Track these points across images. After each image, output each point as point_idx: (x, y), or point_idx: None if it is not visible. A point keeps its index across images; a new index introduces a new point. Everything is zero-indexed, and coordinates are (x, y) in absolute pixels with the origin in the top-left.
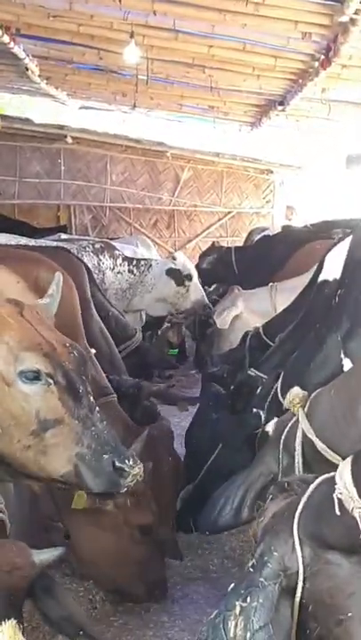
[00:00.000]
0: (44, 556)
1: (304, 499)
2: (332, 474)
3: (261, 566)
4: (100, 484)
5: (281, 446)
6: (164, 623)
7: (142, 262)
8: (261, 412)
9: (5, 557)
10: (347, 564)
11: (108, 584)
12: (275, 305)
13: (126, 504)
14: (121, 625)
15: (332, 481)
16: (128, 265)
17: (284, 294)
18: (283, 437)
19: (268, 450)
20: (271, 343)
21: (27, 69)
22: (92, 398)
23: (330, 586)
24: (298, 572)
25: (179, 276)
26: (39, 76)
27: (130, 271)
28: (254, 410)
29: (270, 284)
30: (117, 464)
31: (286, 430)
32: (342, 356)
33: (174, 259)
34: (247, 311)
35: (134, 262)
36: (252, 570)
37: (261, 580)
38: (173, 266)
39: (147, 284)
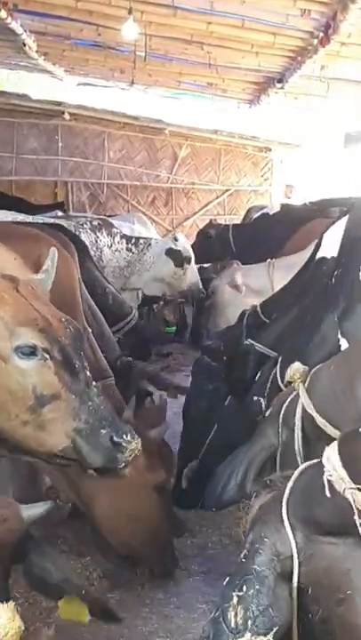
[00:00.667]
0: (32, 510)
1: (290, 484)
2: (315, 460)
3: (253, 554)
4: (99, 459)
5: (280, 420)
6: (160, 600)
7: (141, 241)
8: (262, 400)
9: None
10: (341, 543)
11: (124, 548)
12: (272, 281)
13: (141, 465)
14: (117, 602)
15: (317, 466)
16: (126, 243)
17: (281, 271)
18: (282, 411)
19: (269, 424)
20: (268, 321)
21: (24, 45)
22: (88, 373)
23: (326, 566)
24: (292, 556)
25: (178, 258)
26: (37, 51)
27: (128, 249)
28: (255, 398)
29: (268, 260)
30: (115, 439)
31: (286, 404)
32: (339, 336)
33: (176, 239)
34: (244, 286)
35: (133, 240)
36: (244, 560)
37: (255, 567)
38: (174, 246)
39: (145, 262)
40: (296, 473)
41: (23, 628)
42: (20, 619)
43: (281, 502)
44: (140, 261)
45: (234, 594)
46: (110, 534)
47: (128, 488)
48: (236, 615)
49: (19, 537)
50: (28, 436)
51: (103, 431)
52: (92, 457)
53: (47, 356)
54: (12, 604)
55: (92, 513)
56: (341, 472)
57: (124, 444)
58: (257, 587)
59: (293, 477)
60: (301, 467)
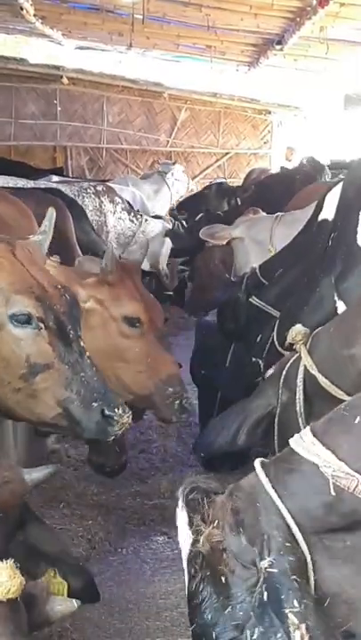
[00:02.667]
0: (35, 474)
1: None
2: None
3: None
4: (89, 431)
5: (281, 381)
6: (163, 562)
7: (139, 215)
8: (260, 361)
9: None
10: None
11: (125, 393)
12: (271, 236)
13: (106, 299)
14: (119, 564)
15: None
16: (128, 214)
17: (283, 226)
18: (284, 372)
19: (269, 384)
20: (267, 283)
21: (21, 9)
22: (82, 343)
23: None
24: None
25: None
26: (34, 15)
27: (130, 220)
28: (253, 359)
29: (277, 213)
30: (106, 412)
31: (288, 365)
32: (336, 298)
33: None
34: (248, 238)
35: (132, 213)
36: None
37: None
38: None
39: (148, 234)
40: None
41: (24, 582)
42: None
43: (276, 506)
44: (143, 232)
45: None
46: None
47: (97, 325)
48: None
49: (21, 500)
50: (20, 403)
51: (95, 404)
52: (83, 428)
53: (42, 325)
54: (11, 561)
55: None
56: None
57: (115, 417)
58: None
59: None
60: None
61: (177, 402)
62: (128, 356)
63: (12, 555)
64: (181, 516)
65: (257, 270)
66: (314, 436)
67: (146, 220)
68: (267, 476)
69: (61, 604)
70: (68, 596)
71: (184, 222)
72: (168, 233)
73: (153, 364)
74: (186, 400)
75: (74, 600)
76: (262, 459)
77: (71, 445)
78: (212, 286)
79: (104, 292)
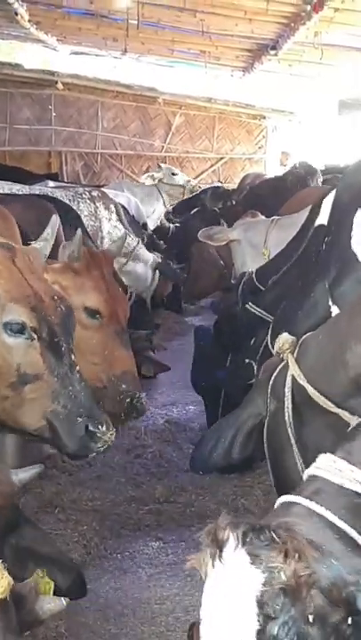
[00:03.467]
0: (22, 474)
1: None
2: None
3: None
4: (72, 445)
5: (269, 390)
6: (157, 567)
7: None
8: (254, 363)
9: None
10: None
11: (98, 390)
12: (266, 239)
13: (69, 287)
14: (115, 569)
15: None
16: (123, 227)
17: (278, 229)
18: (271, 382)
19: (257, 392)
20: (263, 288)
21: (16, 14)
22: (73, 357)
23: None
24: None
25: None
26: (29, 21)
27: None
28: (247, 360)
29: (273, 217)
30: (90, 428)
31: (275, 375)
32: (330, 303)
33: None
34: (244, 240)
35: (128, 230)
36: None
37: None
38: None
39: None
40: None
41: (12, 583)
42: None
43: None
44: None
45: None
46: None
47: None
48: None
49: (11, 501)
50: (6, 412)
51: (79, 419)
52: (66, 442)
53: (35, 335)
54: None
55: None
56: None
57: (98, 434)
58: None
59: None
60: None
61: (128, 399)
62: (84, 347)
63: (2, 556)
64: (235, 559)
65: (253, 275)
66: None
67: (138, 243)
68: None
69: (50, 603)
70: (55, 594)
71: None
72: (158, 266)
73: (109, 358)
74: (138, 399)
75: (62, 599)
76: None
77: (59, 450)
78: (207, 274)
79: (68, 279)
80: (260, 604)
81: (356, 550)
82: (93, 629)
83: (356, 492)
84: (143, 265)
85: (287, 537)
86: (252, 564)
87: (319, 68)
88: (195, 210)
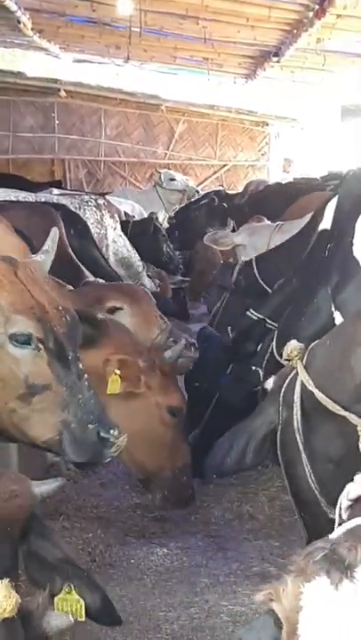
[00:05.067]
0: (43, 487)
1: None
2: None
3: None
4: (84, 453)
5: (281, 398)
6: (162, 575)
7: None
8: (260, 370)
9: (4, 486)
10: None
11: (139, 470)
12: (269, 244)
13: (156, 385)
14: (119, 577)
15: None
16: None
17: (281, 235)
18: (283, 390)
19: (270, 401)
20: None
21: (19, 22)
22: (80, 365)
23: None
24: None
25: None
26: (32, 29)
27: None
28: (253, 368)
29: (277, 222)
30: (102, 434)
31: (286, 383)
32: (333, 309)
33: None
34: (249, 244)
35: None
36: None
37: None
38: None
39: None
40: None
41: (20, 601)
42: (22, 594)
43: None
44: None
45: None
46: (125, 456)
47: (142, 408)
48: None
49: (28, 513)
50: (16, 424)
51: (90, 426)
52: (78, 450)
53: (41, 345)
54: (6, 581)
55: None
56: None
57: (110, 439)
58: None
59: None
60: None
61: (188, 491)
62: (160, 441)
63: (26, 567)
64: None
65: (253, 263)
66: None
67: (144, 269)
68: None
69: (57, 619)
70: (86, 615)
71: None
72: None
73: (176, 451)
74: (193, 493)
75: (70, 615)
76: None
77: (70, 460)
78: (210, 271)
79: (155, 379)
80: None
81: None
82: (99, 637)
83: None
84: None
85: None
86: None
87: (322, 74)
88: (202, 202)
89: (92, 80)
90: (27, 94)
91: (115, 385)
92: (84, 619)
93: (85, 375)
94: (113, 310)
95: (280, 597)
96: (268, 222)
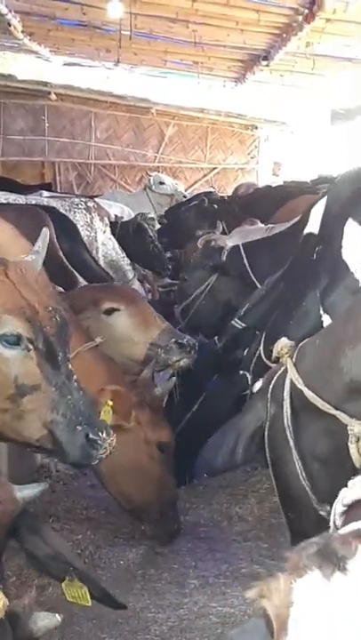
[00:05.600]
0: (26, 491)
1: None
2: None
3: None
4: (73, 454)
5: (269, 395)
6: (152, 576)
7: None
8: (248, 374)
9: None
10: None
11: (127, 503)
12: None
13: (146, 421)
14: (109, 578)
15: None
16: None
17: None
18: (271, 386)
19: (258, 398)
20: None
21: (9, 25)
22: (70, 366)
23: None
24: None
25: None
26: (22, 32)
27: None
28: (241, 372)
29: (269, 225)
30: (91, 436)
31: (274, 380)
32: (321, 312)
33: None
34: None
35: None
36: None
37: None
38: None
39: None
40: None
41: (7, 604)
42: (10, 596)
43: None
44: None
45: None
46: (113, 488)
47: (132, 443)
48: None
49: (12, 518)
50: (5, 424)
51: (79, 427)
52: (67, 451)
53: (31, 346)
54: None
55: (96, 467)
56: None
57: (99, 441)
58: None
59: None
60: None
61: (174, 524)
62: (153, 477)
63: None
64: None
65: (241, 249)
66: None
67: (135, 277)
68: None
69: (44, 620)
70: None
71: None
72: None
73: (163, 485)
74: (179, 526)
75: (57, 615)
76: None
77: (60, 460)
78: None
79: (146, 415)
80: None
81: None
82: (89, 638)
83: None
84: None
85: None
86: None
87: (311, 78)
88: (193, 203)
89: (83, 83)
90: (17, 97)
91: (107, 416)
92: (90, 603)
93: (75, 376)
94: (110, 312)
95: (271, 594)
96: (261, 225)
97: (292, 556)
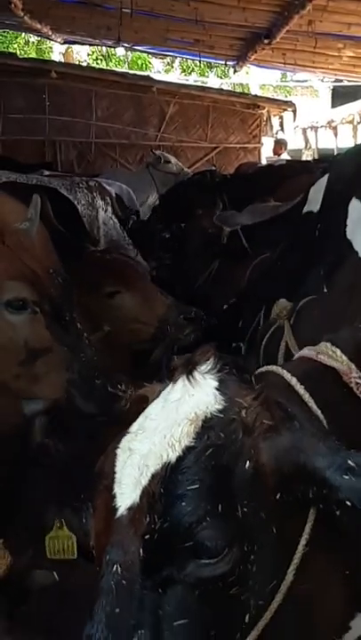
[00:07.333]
0: (33, 405)
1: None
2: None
3: None
4: (94, 408)
5: (261, 353)
6: None
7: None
8: (242, 345)
9: None
10: None
11: None
12: None
13: None
14: None
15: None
16: (120, 227)
17: None
18: (263, 344)
19: (251, 355)
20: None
21: (9, 3)
22: (79, 325)
23: None
24: None
25: None
26: (22, 9)
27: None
28: (233, 344)
29: (277, 203)
30: (110, 389)
31: (267, 337)
32: (325, 290)
33: None
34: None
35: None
36: None
37: None
38: None
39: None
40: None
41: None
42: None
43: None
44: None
45: None
46: None
47: None
48: None
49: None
50: (22, 390)
51: (97, 381)
52: (87, 406)
53: (37, 309)
54: (0, 541)
55: None
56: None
57: (119, 393)
58: None
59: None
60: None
61: None
62: None
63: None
64: (205, 380)
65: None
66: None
67: (137, 255)
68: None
69: (40, 577)
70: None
71: None
72: None
73: None
74: None
75: (54, 573)
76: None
77: (61, 440)
78: None
79: None
80: (206, 427)
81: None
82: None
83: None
84: None
85: (262, 386)
86: (218, 389)
87: (313, 56)
88: (194, 179)
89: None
90: (17, 75)
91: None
92: (75, 556)
93: (85, 334)
94: (112, 295)
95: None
96: (273, 203)
97: (175, 363)
